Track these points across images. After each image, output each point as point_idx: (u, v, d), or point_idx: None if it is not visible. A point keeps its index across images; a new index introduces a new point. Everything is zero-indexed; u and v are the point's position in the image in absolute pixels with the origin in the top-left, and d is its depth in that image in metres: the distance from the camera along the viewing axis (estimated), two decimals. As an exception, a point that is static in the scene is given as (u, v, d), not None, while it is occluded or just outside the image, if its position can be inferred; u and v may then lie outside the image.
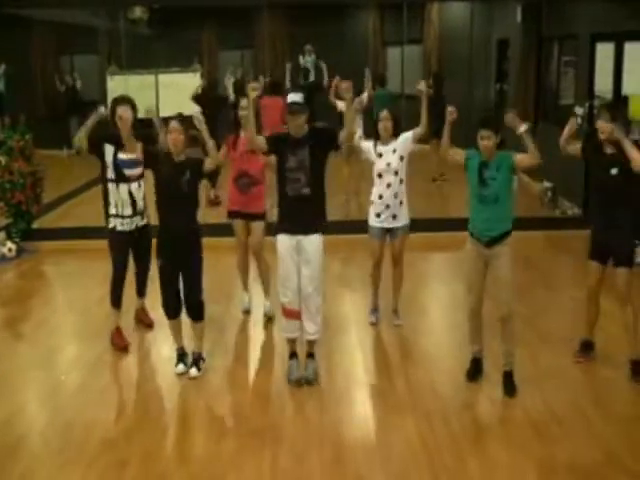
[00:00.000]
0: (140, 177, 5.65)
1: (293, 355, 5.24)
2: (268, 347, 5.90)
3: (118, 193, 5.59)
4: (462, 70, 14.33)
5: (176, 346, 5.35)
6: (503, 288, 4.84)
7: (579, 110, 9.49)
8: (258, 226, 6.15)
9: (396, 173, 5.84)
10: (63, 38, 15.49)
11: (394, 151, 5.84)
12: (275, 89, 10.28)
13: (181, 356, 5.32)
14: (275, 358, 5.65)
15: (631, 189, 4.96)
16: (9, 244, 8.22)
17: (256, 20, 15.25)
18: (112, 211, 5.64)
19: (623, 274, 5.00)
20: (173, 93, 15.22)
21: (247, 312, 6.41)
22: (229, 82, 10.82)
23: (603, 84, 8.76)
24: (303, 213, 4.96)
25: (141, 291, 6.07)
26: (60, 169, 12.12)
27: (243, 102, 5.96)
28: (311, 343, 5.21)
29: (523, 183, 11.43)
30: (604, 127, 4.88)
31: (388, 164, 5.82)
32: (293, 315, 5.12)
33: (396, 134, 5.85)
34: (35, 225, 8.85)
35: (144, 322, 6.13)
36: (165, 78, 15.30)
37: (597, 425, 4.48)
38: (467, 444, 4.30)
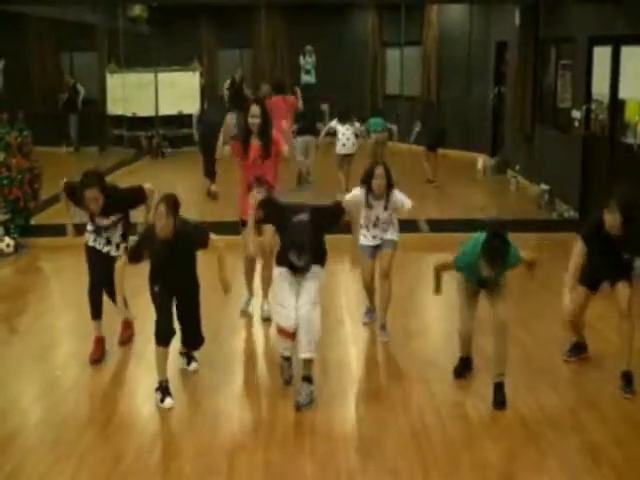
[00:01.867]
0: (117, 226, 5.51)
1: (287, 358, 5.08)
2: (262, 346, 5.94)
3: (95, 234, 5.47)
4: (461, 72, 14.37)
5: (159, 379, 4.84)
6: (500, 300, 4.81)
7: (576, 113, 9.58)
8: (270, 228, 5.88)
9: (385, 222, 5.79)
10: (63, 35, 15.51)
11: (385, 208, 5.73)
12: (279, 89, 10.51)
13: (166, 389, 4.84)
14: (270, 356, 5.67)
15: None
16: (7, 240, 8.25)
17: (255, 20, 15.30)
18: (89, 227, 5.49)
19: (625, 287, 4.90)
20: (172, 92, 15.27)
21: (244, 313, 6.39)
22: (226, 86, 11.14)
23: (600, 88, 8.79)
24: (303, 267, 4.80)
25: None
26: (58, 166, 12.12)
27: (254, 109, 5.90)
28: (307, 364, 4.87)
29: (520, 186, 11.49)
30: (612, 223, 4.70)
31: (377, 217, 5.74)
32: (288, 336, 4.92)
33: (388, 188, 5.69)
34: (33, 221, 8.87)
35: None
36: (164, 77, 15.34)
37: (589, 427, 4.51)
38: (459, 442, 4.33)
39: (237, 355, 5.67)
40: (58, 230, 8.73)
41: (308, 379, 4.87)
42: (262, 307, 6.36)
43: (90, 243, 5.51)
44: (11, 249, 8.21)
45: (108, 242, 5.52)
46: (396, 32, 14.64)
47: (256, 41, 15.89)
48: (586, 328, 5.45)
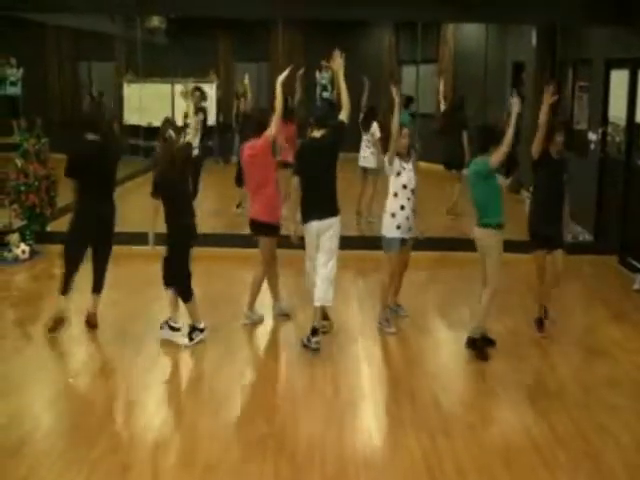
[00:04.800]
0: None
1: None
2: (274, 356, 5.94)
3: None
4: (477, 91, 14.37)
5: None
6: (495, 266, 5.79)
7: (592, 136, 9.55)
8: (262, 242, 6.20)
9: (413, 191, 6.27)
10: (81, 45, 15.68)
11: (411, 170, 6.34)
12: (287, 115, 9.81)
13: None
14: (281, 367, 5.69)
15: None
16: (22, 246, 8.29)
17: (272, 34, 15.38)
18: None
19: (561, 254, 6.23)
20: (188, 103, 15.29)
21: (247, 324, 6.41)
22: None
23: (617, 110, 8.78)
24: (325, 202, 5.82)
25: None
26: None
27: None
28: (316, 312, 5.77)
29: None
30: (560, 140, 6.32)
31: (410, 179, 6.26)
32: None
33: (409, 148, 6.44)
34: (48, 228, 8.92)
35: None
36: (181, 88, 15.39)
37: (601, 452, 4.47)
38: (470, 465, 4.30)
39: (248, 367, 5.67)
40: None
41: (315, 331, 5.72)
42: (274, 307, 6.52)
43: None
44: (26, 255, 8.26)
45: None
46: (412, 49, 14.70)
47: (272, 55, 15.98)
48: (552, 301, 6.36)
